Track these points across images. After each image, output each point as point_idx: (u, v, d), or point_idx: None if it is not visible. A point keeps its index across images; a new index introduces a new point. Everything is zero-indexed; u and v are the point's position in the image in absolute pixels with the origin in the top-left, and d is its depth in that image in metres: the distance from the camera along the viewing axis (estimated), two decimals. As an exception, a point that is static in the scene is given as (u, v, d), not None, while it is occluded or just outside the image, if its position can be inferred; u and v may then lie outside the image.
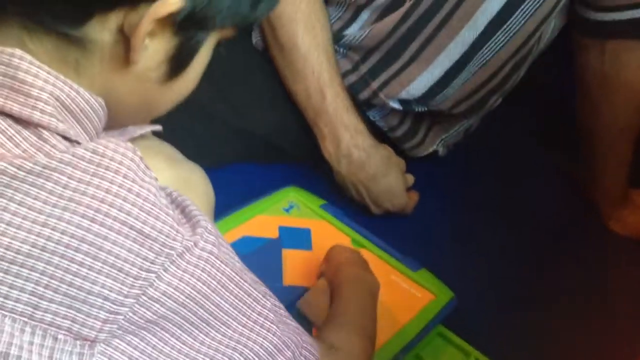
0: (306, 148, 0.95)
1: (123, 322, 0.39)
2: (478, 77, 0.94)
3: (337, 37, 0.95)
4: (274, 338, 0.46)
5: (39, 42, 0.42)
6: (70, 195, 0.39)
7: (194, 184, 0.54)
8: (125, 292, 0.39)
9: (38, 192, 0.38)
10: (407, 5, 0.90)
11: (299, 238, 0.85)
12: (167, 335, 0.41)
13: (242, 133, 0.95)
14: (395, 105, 0.98)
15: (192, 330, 0.42)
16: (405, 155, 1.02)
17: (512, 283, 0.88)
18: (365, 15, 0.94)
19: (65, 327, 0.38)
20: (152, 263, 0.40)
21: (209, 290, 0.42)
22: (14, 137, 0.40)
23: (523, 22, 0.89)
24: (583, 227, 1.02)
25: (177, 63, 0.47)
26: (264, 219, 0.86)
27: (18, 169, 0.39)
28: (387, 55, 0.94)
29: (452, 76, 0.93)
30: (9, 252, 0.38)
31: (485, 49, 0.91)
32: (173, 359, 0.41)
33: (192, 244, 0.41)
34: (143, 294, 0.40)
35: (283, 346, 0.46)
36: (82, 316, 0.39)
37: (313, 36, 0.91)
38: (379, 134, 0.99)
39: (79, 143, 0.42)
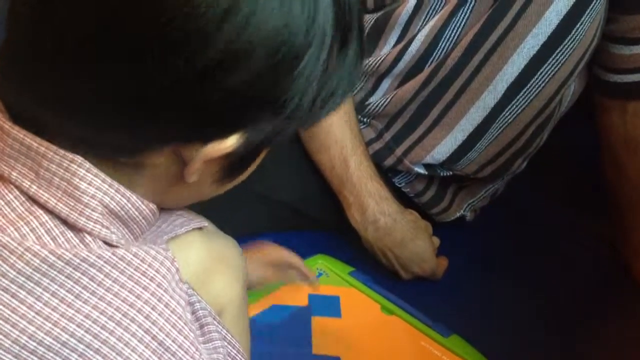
0: (333, 215, 0.96)
1: None
2: (501, 140, 0.95)
3: (360, 107, 0.97)
4: None
5: (97, 159, 0.44)
6: (103, 294, 0.40)
7: (227, 258, 0.54)
8: None
9: (73, 286, 0.40)
10: (427, 71, 0.92)
11: (328, 306, 0.85)
12: None
13: (268, 201, 0.96)
14: (420, 170, 0.98)
15: None
16: (432, 220, 1.02)
17: (545, 348, 0.86)
18: (386, 84, 0.96)
19: None
20: None
21: None
22: (57, 238, 0.41)
23: (542, 85, 0.90)
24: (615, 289, 1.00)
25: (234, 172, 0.48)
26: (293, 287, 0.86)
27: (58, 258, 0.40)
28: (410, 122, 0.95)
29: (474, 140, 0.94)
30: (31, 342, 0.38)
31: (507, 112, 0.92)
32: None
33: None
34: None
35: None
36: None
37: None
38: (405, 200, 1.00)
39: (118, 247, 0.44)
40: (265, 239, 0.94)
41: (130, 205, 0.44)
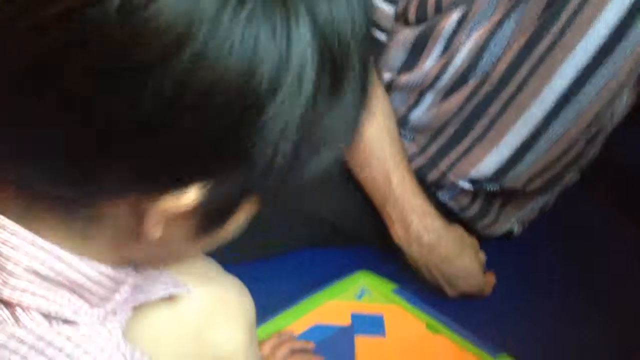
0: (375, 231, 0.95)
1: None
2: (550, 154, 0.92)
3: (403, 122, 0.96)
4: None
5: (37, 217, 0.39)
6: None
7: (227, 301, 0.52)
8: None
9: None
10: (472, 84, 0.90)
11: (371, 324, 0.84)
12: None
13: (307, 218, 0.95)
14: (466, 185, 0.97)
15: None
16: (479, 235, 1.00)
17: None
18: (429, 98, 0.94)
19: None
20: None
21: None
22: None
23: (593, 97, 0.87)
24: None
25: (209, 226, 0.41)
26: (335, 305, 0.86)
27: None
28: (454, 136, 0.93)
29: (522, 154, 0.92)
30: None
31: (555, 126, 0.89)
32: None
33: None
34: None
35: None
36: None
37: (376, 123, 0.92)
38: (450, 215, 0.98)
39: (58, 319, 0.39)
40: (305, 255, 0.94)
41: (71, 270, 0.39)
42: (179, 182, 0.37)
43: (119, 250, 0.41)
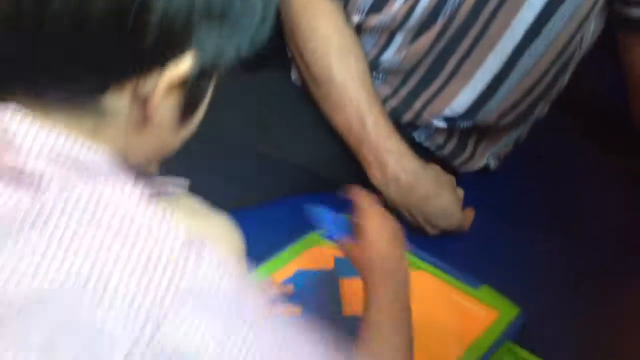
0: (352, 176, 0.95)
1: None
2: (521, 87, 0.93)
3: (374, 64, 0.95)
4: None
5: (51, 118, 0.43)
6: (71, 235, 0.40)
7: (216, 237, 0.53)
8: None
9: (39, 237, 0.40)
10: (441, 23, 0.90)
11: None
12: None
13: (287, 167, 0.96)
14: (440, 124, 0.97)
15: None
16: (456, 172, 1.01)
17: (578, 293, 0.86)
18: (399, 39, 0.94)
19: None
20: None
21: None
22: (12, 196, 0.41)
23: (561, 26, 0.87)
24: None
25: (188, 110, 0.48)
26: (317, 251, 0.86)
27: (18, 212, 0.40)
28: (426, 75, 0.93)
29: (494, 88, 0.92)
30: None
31: (526, 57, 0.90)
32: None
33: None
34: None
35: None
36: None
37: (347, 67, 0.91)
38: (427, 154, 0.99)
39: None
40: (286, 204, 0.94)
41: (76, 151, 0.43)
42: (177, 51, 0.43)
43: (122, 145, 0.45)
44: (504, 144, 1.05)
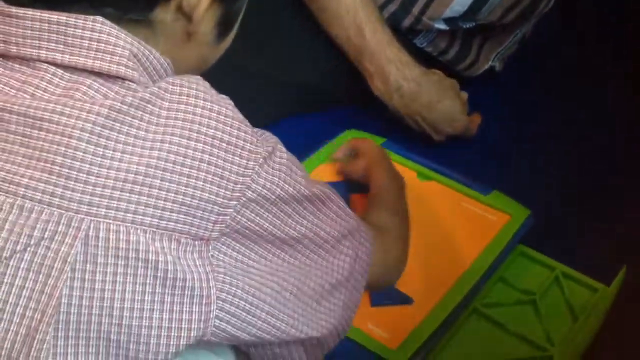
0: (355, 89, 0.94)
1: (230, 221, 0.46)
2: (524, -19, 0.90)
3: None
4: (340, 227, 0.54)
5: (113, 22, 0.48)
6: (165, 122, 0.45)
7: None
8: (229, 196, 0.46)
9: (139, 123, 0.44)
10: None
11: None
12: (260, 241, 0.49)
13: (286, 85, 0.94)
14: (441, 26, 0.94)
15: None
16: (460, 77, 0.98)
17: (587, 192, 0.85)
18: (393, -59, 0.90)
19: (185, 231, 0.45)
20: (245, 168, 0.46)
21: (289, 188, 0.49)
22: (108, 94, 0.45)
23: None
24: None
25: (226, 25, 0.52)
26: (327, 167, 0.86)
27: (122, 103, 0.44)
28: (424, -24, 0.90)
29: (495, -16, 0.89)
30: (129, 174, 0.44)
31: None
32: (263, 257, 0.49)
33: (271, 149, 0.48)
34: (243, 196, 0.46)
35: (346, 232, 0.54)
36: (197, 220, 0.45)
37: None
38: (429, 60, 0.96)
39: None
40: (292, 123, 0.93)
41: (153, 57, 0.48)
42: None
43: (171, 54, 0.50)
44: (510, 43, 1.02)
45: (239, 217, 0.47)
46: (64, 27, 0.45)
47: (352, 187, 0.83)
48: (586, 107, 1.00)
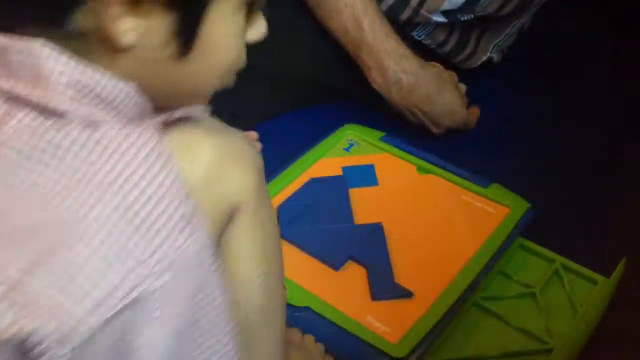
0: (354, 83, 0.93)
1: None
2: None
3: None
4: None
5: (53, 39, 0.42)
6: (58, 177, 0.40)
7: (239, 153, 0.52)
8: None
9: (47, 169, 0.40)
10: None
11: (363, 175, 0.84)
12: None
13: (285, 80, 0.94)
14: (439, 19, 0.94)
15: None
16: (458, 69, 0.98)
17: (586, 184, 0.85)
18: None
19: None
20: None
21: None
22: (39, 128, 0.41)
23: None
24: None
25: (184, 37, 0.44)
26: (326, 162, 0.86)
27: (33, 148, 0.41)
28: (422, -31, 0.90)
29: (494, -25, 0.89)
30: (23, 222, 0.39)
31: None
32: None
33: None
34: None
35: None
36: None
37: None
38: (428, 53, 0.96)
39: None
40: (290, 118, 0.93)
41: (103, 83, 0.42)
42: None
43: (123, 70, 0.43)
44: (508, 34, 1.02)
45: None
46: (4, 51, 0.42)
47: (351, 182, 0.83)
48: (585, 98, 0.99)
